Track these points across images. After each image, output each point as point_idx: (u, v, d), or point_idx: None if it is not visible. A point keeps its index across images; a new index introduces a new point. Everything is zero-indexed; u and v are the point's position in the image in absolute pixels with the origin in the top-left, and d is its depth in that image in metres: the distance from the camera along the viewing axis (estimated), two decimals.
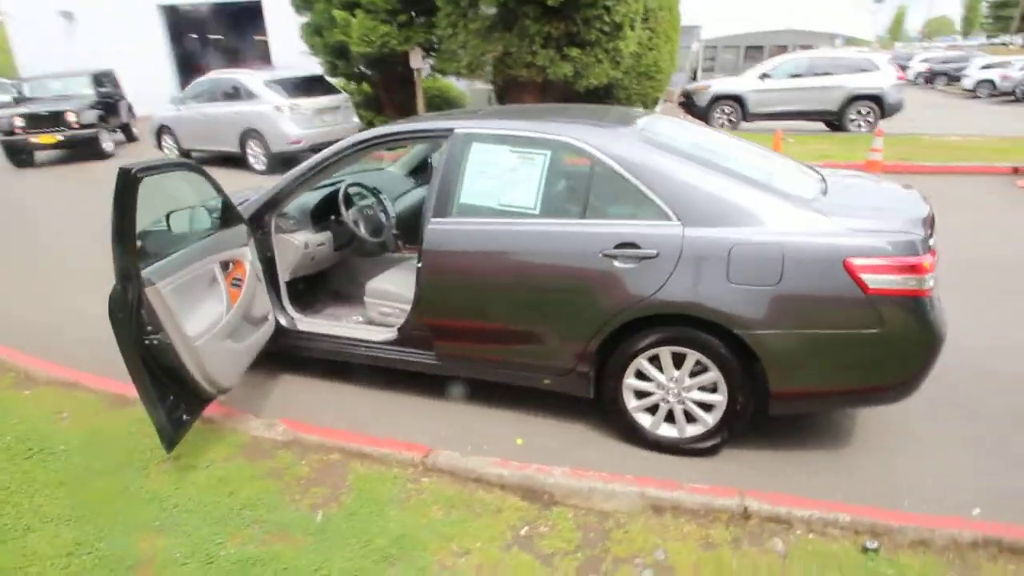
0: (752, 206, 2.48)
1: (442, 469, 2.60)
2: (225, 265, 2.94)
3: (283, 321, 3.39)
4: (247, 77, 10.66)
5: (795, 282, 2.37)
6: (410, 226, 4.04)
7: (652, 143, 2.69)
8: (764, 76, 13.06)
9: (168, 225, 2.71)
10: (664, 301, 2.51)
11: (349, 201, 3.80)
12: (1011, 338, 3.72)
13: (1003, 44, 47.66)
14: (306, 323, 3.44)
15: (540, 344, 2.81)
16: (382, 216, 3.95)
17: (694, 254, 2.46)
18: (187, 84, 12.41)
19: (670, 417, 2.74)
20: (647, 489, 2.38)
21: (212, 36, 22.53)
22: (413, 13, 11.56)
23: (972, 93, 24.73)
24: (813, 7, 25.84)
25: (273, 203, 3.31)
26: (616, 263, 2.56)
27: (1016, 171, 8.39)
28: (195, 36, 21.62)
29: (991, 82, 23.91)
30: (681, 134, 3.05)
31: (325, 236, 3.66)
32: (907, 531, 2.15)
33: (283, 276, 3.48)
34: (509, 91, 12.16)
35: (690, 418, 2.71)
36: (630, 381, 2.73)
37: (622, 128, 2.83)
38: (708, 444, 2.70)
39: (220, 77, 11.14)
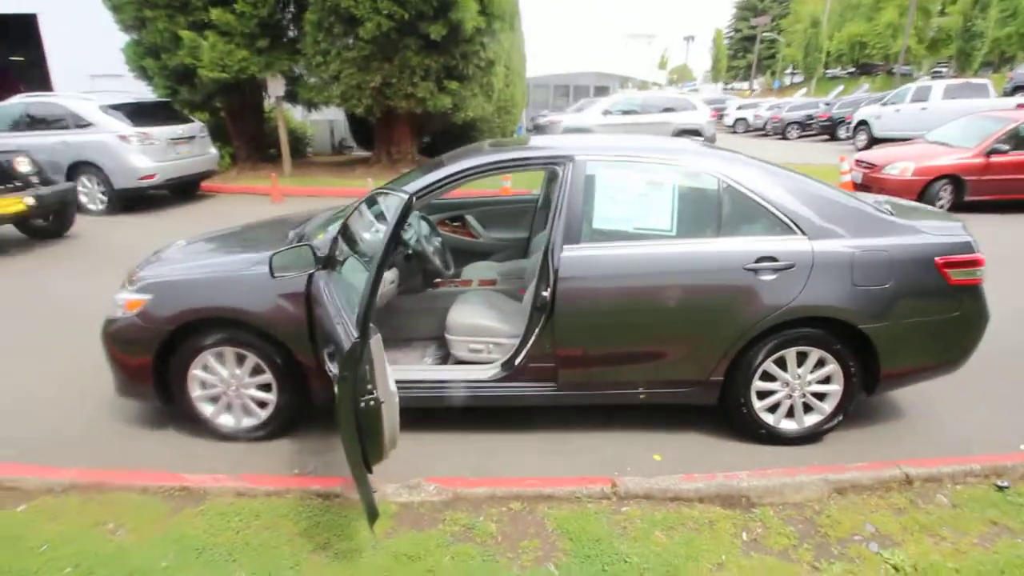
0: (858, 217, 2.92)
1: (637, 495, 2.58)
2: None
3: None
4: (77, 102, 8.99)
5: (900, 280, 2.86)
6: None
7: (763, 167, 3.02)
8: (606, 112, 14.57)
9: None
10: (801, 306, 2.82)
11: (426, 233, 3.55)
12: None
13: (733, 88, 58.65)
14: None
15: (679, 359, 2.94)
16: (439, 247, 3.72)
17: (824, 263, 2.82)
18: None
19: (789, 413, 3.06)
20: (827, 475, 2.65)
21: None
22: (272, 38, 10.79)
23: (732, 129, 30.07)
24: (608, 52, 29.39)
25: (342, 238, 2.98)
26: (758, 276, 2.82)
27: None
28: None
29: (745, 120, 29.39)
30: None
31: (393, 274, 3.36)
32: (1018, 467, 2.71)
33: None
34: (382, 123, 11.91)
35: (807, 409, 3.06)
36: (757, 384, 3.00)
37: (733, 154, 3.13)
38: (825, 430, 3.06)
39: (35, 101, 9.24)
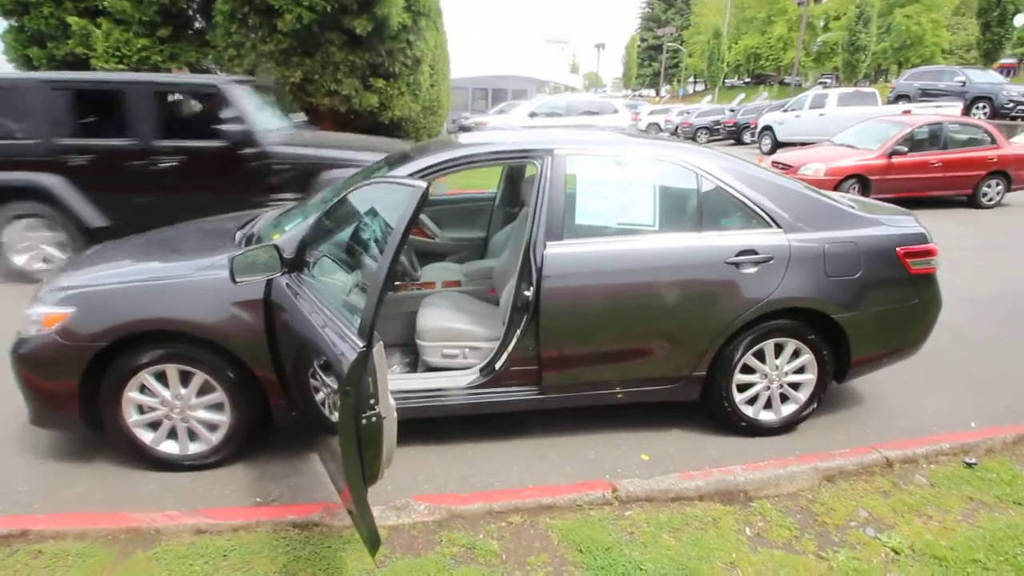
0: (829, 211, 3.00)
1: (639, 497, 2.49)
2: None
3: None
4: None
5: (868, 271, 2.95)
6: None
7: (737, 162, 3.04)
8: (532, 114, 14.64)
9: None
10: (781, 298, 2.85)
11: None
12: None
13: (641, 95, 61.15)
14: None
15: (664, 356, 2.89)
16: (405, 250, 3.47)
17: (800, 255, 2.87)
18: None
19: (767, 404, 3.09)
20: (817, 464, 2.68)
21: None
22: (175, 27, 9.96)
23: (644, 132, 31.24)
24: (525, 56, 29.68)
25: (313, 237, 2.70)
26: (740, 269, 2.81)
27: None
28: None
29: (657, 124, 30.62)
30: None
31: (354, 277, 3.09)
32: (980, 445, 2.87)
33: None
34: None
35: (783, 400, 3.10)
36: (737, 377, 3.00)
37: (709, 149, 3.11)
38: (801, 418, 3.12)
39: None
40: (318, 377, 2.06)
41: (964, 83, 17.03)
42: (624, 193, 2.90)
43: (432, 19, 11.39)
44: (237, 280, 2.27)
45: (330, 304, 2.14)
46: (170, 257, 2.84)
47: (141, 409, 2.70)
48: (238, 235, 3.01)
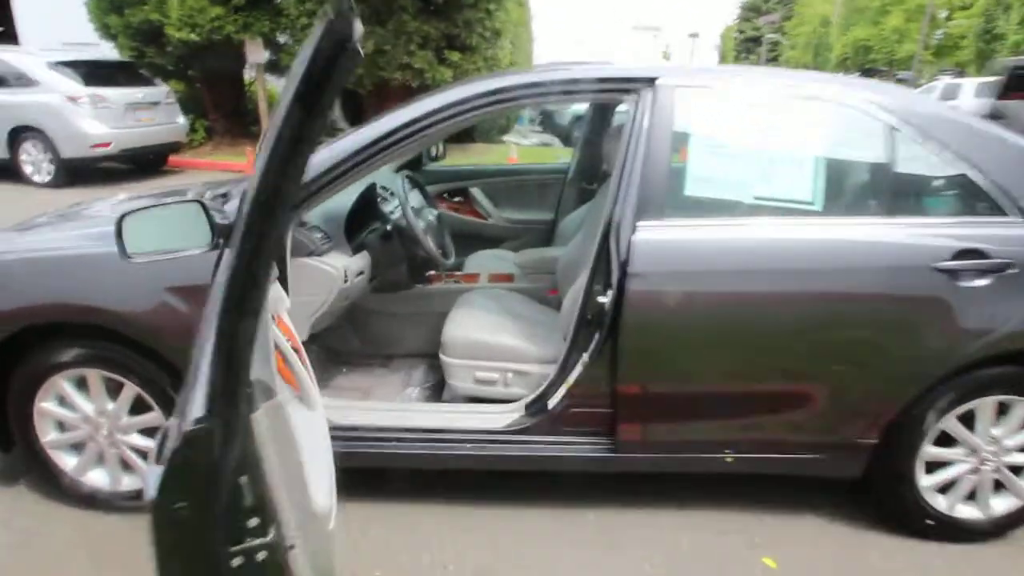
0: None
1: None
2: None
3: None
4: (19, 57, 7.79)
5: None
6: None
7: (948, 110, 1.93)
8: None
9: None
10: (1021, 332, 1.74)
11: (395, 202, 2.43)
12: None
13: None
14: (346, 412, 2.00)
15: (811, 408, 1.85)
16: (435, 225, 2.58)
17: None
18: None
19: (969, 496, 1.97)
20: None
21: None
22: None
23: None
24: (612, 42, 28.07)
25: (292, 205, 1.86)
26: (957, 281, 1.72)
27: None
28: None
29: None
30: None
31: (365, 260, 2.24)
32: None
33: (302, 331, 2.00)
34: (374, 98, 10.76)
35: (997, 489, 1.97)
36: (928, 449, 1.91)
37: (903, 90, 2.03)
38: (1015, 521, 1.99)
39: None
40: None
41: None
42: (765, 152, 1.87)
43: None
44: (129, 255, 1.43)
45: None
46: (90, 223, 2.07)
47: (60, 425, 1.98)
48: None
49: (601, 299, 1.79)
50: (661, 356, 1.83)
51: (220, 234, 1.49)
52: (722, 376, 1.86)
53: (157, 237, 1.45)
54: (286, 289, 1.81)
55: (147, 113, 8.40)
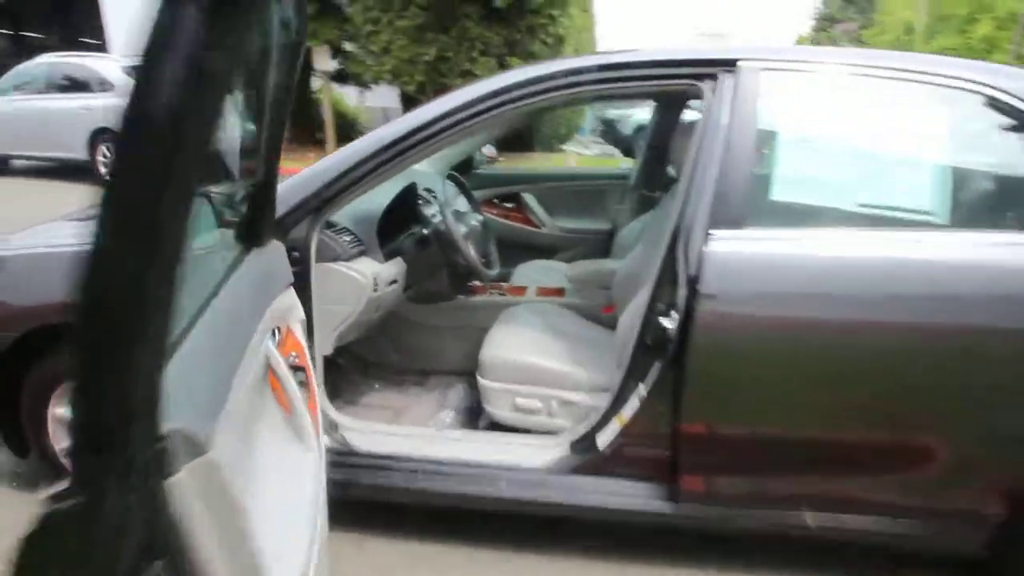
0: None
1: None
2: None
3: (323, 438, 1.73)
4: (100, 62, 8.18)
5: None
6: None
7: None
8: None
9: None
10: None
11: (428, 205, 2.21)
12: None
13: None
14: (365, 434, 1.79)
15: (918, 465, 1.50)
16: (480, 232, 2.36)
17: None
18: None
19: None
20: None
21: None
22: (320, 3, 9.79)
23: None
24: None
25: (317, 204, 1.67)
26: None
27: None
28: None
29: None
30: None
31: (399, 267, 2.03)
32: None
33: (325, 343, 1.81)
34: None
35: None
36: None
37: None
38: None
39: (60, 62, 8.48)
40: None
41: None
42: (873, 149, 1.54)
43: None
44: None
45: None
46: None
47: None
48: None
49: (664, 321, 1.50)
50: (735, 392, 1.53)
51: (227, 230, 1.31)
52: (808, 420, 1.53)
53: None
54: (306, 297, 1.62)
55: None
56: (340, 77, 11.18)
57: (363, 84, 11.07)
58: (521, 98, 1.62)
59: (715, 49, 1.61)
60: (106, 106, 7.95)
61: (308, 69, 11.23)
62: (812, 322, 1.45)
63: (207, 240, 1.14)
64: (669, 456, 1.60)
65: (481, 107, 1.64)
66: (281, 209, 1.59)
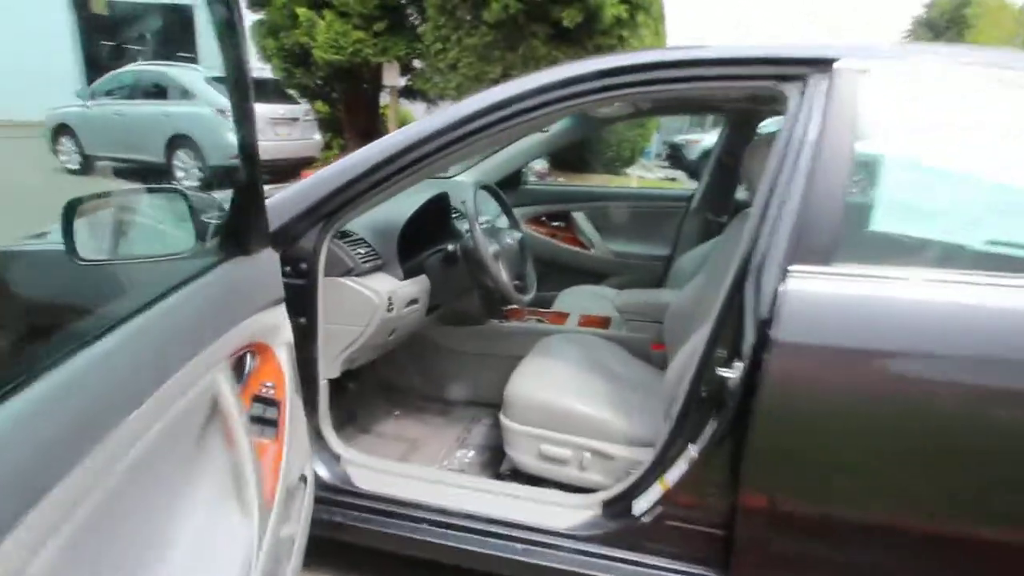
0: None
1: None
2: (238, 363, 1.08)
3: (321, 471, 1.52)
4: (181, 71, 8.57)
5: None
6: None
7: None
8: None
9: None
10: None
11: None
12: None
13: None
14: (370, 472, 1.57)
15: None
16: (517, 251, 2.13)
17: None
18: None
19: None
20: None
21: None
22: (392, 21, 9.97)
23: None
24: None
25: (329, 211, 1.48)
26: None
27: None
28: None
29: None
30: None
31: (420, 286, 1.83)
32: None
33: (329, 368, 1.62)
34: None
35: None
36: None
37: None
38: None
39: (145, 69, 8.96)
40: None
41: None
42: (1010, 177, 1.21)
43: (652, 16, 10.05)
44: (80, 256, 1.08)
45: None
46: None
47: None
48: None
49: (725, 372, 1.22)
50: (811, 466, 1.22)
51: (205, 235, 1.13)
52: (902, 506, 1.21)
53: (127, 234, 1.11)
54: (311, 315, 1.43)
55: (285, 128, 8.89)
56: (408, 93, 11.36)
57: (429, 100, 11.19)
58: (560, 99, 1.39)
59: (805, 46, 1.33)
60: (184, 113, 8.31)
61: (377, 84, 11.50)
62: (915, 385, 1.13)
63: (170, 244, 0.97)
64: (723, 535, 1.31)
65: (508, 111, 1.42)
66: (288, 215, 1.42)
